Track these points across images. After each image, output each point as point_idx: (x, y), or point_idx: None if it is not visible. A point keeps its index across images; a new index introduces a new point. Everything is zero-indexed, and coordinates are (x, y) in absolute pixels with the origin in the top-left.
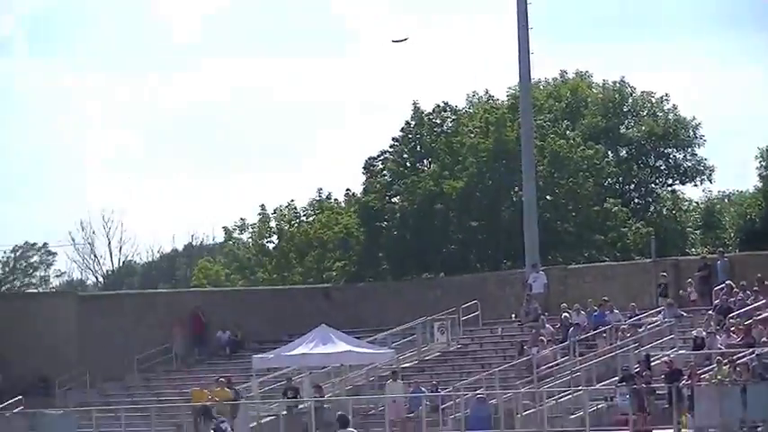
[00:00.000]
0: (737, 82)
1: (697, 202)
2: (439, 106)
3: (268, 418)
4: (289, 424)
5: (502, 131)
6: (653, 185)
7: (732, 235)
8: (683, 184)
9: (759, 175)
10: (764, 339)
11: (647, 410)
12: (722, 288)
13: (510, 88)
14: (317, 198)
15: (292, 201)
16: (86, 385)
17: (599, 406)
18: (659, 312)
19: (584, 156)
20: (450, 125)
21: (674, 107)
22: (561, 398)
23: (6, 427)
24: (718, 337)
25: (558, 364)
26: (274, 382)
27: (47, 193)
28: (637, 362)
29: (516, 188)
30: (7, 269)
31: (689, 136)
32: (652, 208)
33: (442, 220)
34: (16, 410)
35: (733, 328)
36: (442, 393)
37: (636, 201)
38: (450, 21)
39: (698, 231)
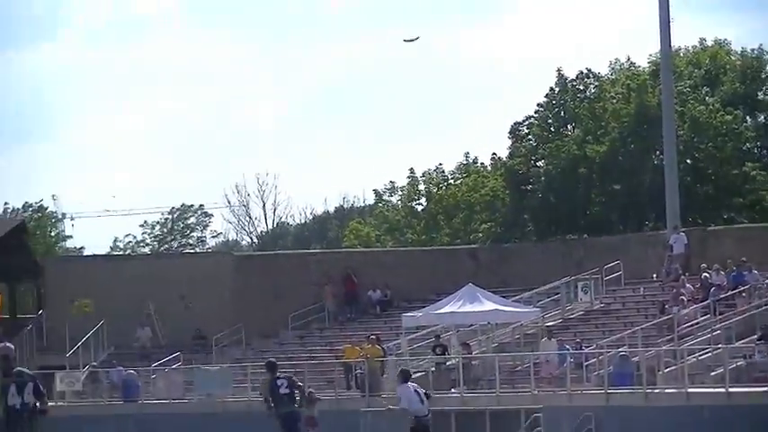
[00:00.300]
0: None
1: None
2: (582, 73)
3: (417, 374)
4: (437, 380)
5: (643, 97)
6: None
7: None
8: None
9: None
10: None
11: None
12: None
13: (651, 55)
14: (464, 162)
15: (440, 164)
16: (242, 342)
17: (738, 363)
18: None
19: (723, 121)
20: (593, 91)
21: None
22: (701, 355)
23: (166, 382)
24: None
25: (698, 323)
26: (423, 340)
27: (204, 157)
28: None
29: (657, 152)
30: (165, 230)
31: None
32: None
33: (586, 183)
34: (175, 366)
35: None
36: (586, 351)
37: None
38: None
39: None
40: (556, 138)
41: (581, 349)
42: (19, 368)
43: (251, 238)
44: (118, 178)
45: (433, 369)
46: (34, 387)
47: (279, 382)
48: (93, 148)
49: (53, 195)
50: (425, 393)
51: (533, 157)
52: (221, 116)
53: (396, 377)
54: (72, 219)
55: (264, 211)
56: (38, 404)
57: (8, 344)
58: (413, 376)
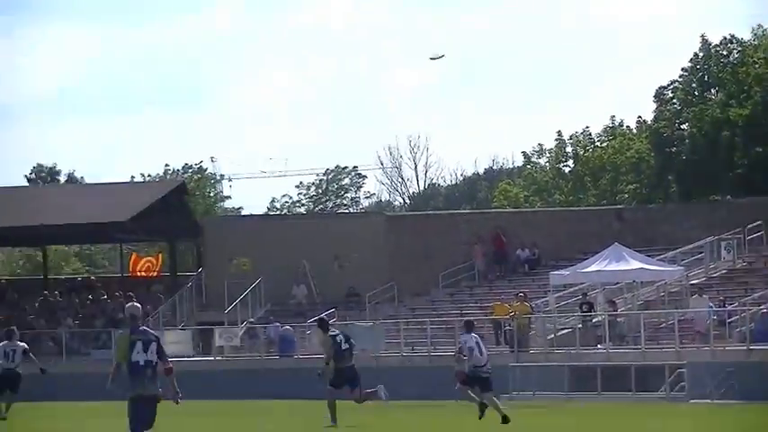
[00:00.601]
0: None
1: None
2: (726, 39)
3: (564, 331)
4: (584, 336)
5: None
6: None
7: None
8: None
9: None
10: None
11: None
12: None
13: None
14: (611, 125)
15: (587, 127)
16: (394, 299)
17: None
18: None
19: None
20: (736, 56)
21: None
22: None
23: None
24: None
25: None
26: (570, 297)
27: (357, 120)
28: None
29: None
30: (320, 191)
31: None
32: None
33: (728, 145)
34: (330, 322)
35: None
36: (729, 308)
37: None
38: None
39: None
40: (699, 102)
41: (724, 307)
42: (144, 327)
43: (403, 198)
44: (274, 141)
45: (580, 326)
46: (158, 347)
47: (338, 339)
48: (250, 111)
49: (212, 157)
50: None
51: (677, 121)
52: (374, 80)
53: (461, 326)
54: (230, 180)
55: (416, 173)
56: (160, 362)
57: (136, 303)
58: (561, 332)
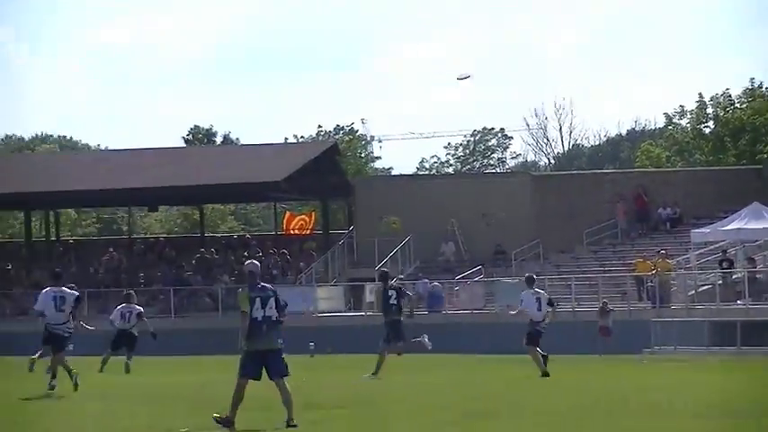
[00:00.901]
0: None
1: None
2: None
3: (704, 287)
4: (723, 292)
5: None
6: None
7: None
8: None
9: None
10: None
11: None
12: None
13: None
14: (750, 87)
15: (727, 89)
16: (539, 257)
17: None
18: None
19: None
20: None
21: None
22: None
23: (468, 294)
24: None
25: None
26: (710, 255)
27: (504, 83)
28: None
29: None
30: (468, 152)
31: None
32: None
33: None
34: (477, 279)
35: None
36: None
37: None
38: None
39: None
40: None
41: None
42: (263, 284)
43: (548, 158)
44: (423, 103)
45: (720, 282)
46: (276, 301)
47: (389, 293)
48: (399, 74)
49: (362, 119)
50: (549, 301)
51: None
52: (521, 44)
53: (524, 280)
54: (380, 141)
55: (561, 134)
56: (279, 316)
57: (254, 261)
58: (701, 288)
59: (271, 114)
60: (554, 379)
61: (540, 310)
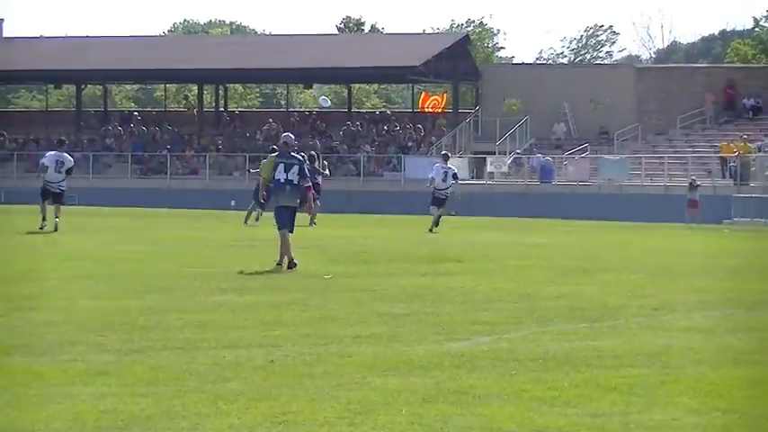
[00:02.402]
0: None
1: None
2: None
3: None
4: None
5: None
6: None
7: None
8: None
9: None
10: None
11: None
12: None
13: None
14: None
15: None
16: (638, 138)
17: None
18: None
19: None
20: None
21: None
22: None
23: (576, 168)
24: None
25: None
26: None
27: None
28: None
29: None
30: (581, 45)
31: None
32: None
33: None
34: (584, 155)
35: None
36: None
37: None
38: None
39: None
40: None
41: None
42: (293, 153)
43: (650, 53)
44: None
45: None
46: (300, 169)
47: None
48: None
49: (490, 14)
50: (455, 175)
51: None
52: None
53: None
54: (505, 34)
55: (662, 32)
56: (301, 182)
57: (290, 134)
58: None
59: (413, 6)
60: (646, 242)
61: (444, 180)
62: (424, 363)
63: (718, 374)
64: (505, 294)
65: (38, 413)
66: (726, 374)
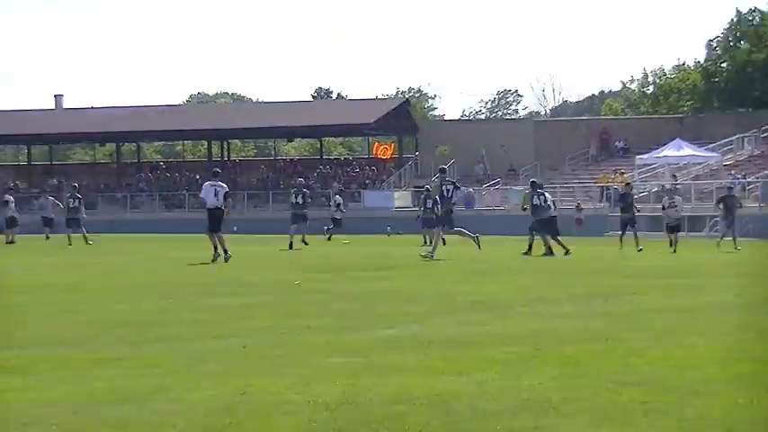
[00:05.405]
0: None
1: None
2: (751, 9)
3: (643, 193)
4: (654, 197)
5: None
6: None
7: None
8: None
9: None
10: None
11: None
12: None
13: None
14: (677, 63)
15: (662, 65)
16: (537, 173)
17: None
18: None
19: None
20: (758, 20)
21: None
22: None
23: (492, 196)
24: None
25: None
26: (647, 172)
27: (513, 55)
28: None
29: None
30: (494, 105)
31: None
32: None
33: (752, 77)
34: (497, 187)
35: None
36: (749, 179)
37: None
38: None
39: None
40: (733, 49)
41: (744, 178)
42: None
43: (545, 110)
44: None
45: (654, 189)
46: (224, 193)
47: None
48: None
49: (428, 83)
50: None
51: (720, 61)
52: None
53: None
54: (439, 97)
55: (554, 94)
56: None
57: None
58: (642, 194)
59: (369, 76)
60: (539, 251)
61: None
62: (361, 346)
63: (576, 349)
64: (427, 292)
65: (60, 390)
66: (582, 348)
